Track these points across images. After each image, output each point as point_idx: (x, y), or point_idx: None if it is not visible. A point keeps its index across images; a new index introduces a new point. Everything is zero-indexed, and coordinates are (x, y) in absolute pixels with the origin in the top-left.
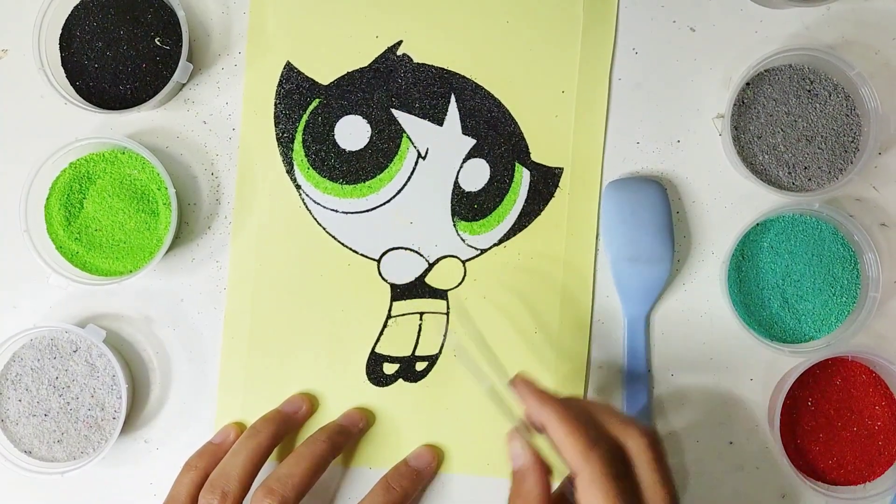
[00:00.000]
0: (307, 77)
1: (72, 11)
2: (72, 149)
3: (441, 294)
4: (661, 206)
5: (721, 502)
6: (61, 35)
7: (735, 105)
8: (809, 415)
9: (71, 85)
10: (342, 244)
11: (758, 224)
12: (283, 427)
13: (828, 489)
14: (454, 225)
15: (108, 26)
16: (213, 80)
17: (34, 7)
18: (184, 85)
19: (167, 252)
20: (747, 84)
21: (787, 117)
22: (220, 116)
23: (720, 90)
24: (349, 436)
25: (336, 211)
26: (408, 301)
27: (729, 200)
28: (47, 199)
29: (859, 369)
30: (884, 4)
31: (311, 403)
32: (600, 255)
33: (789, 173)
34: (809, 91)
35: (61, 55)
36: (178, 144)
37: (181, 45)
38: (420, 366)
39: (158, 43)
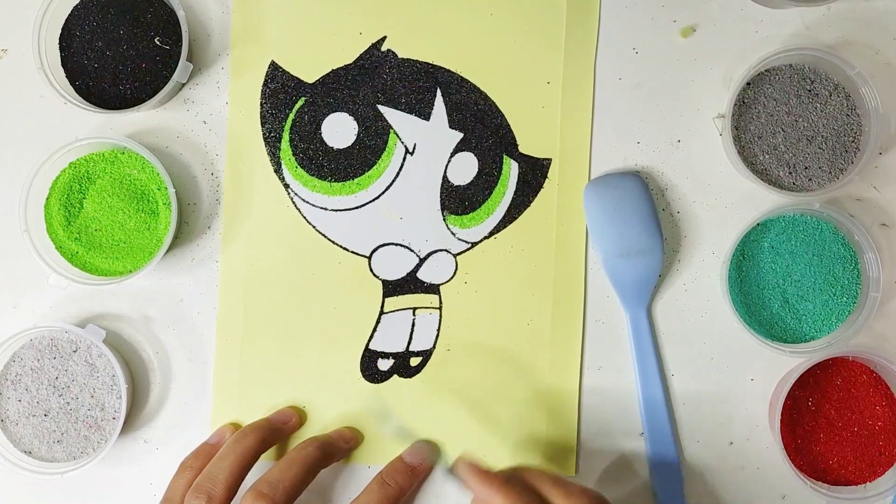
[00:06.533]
0: (292, 76)
1: (72, 11)
2: (72, 149)
3: (433, 289)
4: (643, 197)
5: (721, 502)
6: (61, 35)
7: (735, 105)
8: (810, 415)
9: (71, 85)
10: (332, 242)
11: (758, 224)
12: (272, 435)
13: (828, 489)
14: (444, 219)
15: (108, 26)
16: (212, 80)
17: (34, 7)
18: (184, 85)
19: (167, 252)
20: (748, 84)
21: (788, 117)
22: (219, 116)
23: (720, 90)
24: (339, 450)
25: (325, 209)
26: (400, 297)
27: (729, 200)
28: (47, 199)
29: (860, 369)
30: (884, 4)
31: (300, 418)
32: (592, 253)
33: (790, 173)
34: (810, 91)
35: (61, 55)
36: (178, 144)
37: (181, 45)
38: (414, 361)
39: (158, 43)
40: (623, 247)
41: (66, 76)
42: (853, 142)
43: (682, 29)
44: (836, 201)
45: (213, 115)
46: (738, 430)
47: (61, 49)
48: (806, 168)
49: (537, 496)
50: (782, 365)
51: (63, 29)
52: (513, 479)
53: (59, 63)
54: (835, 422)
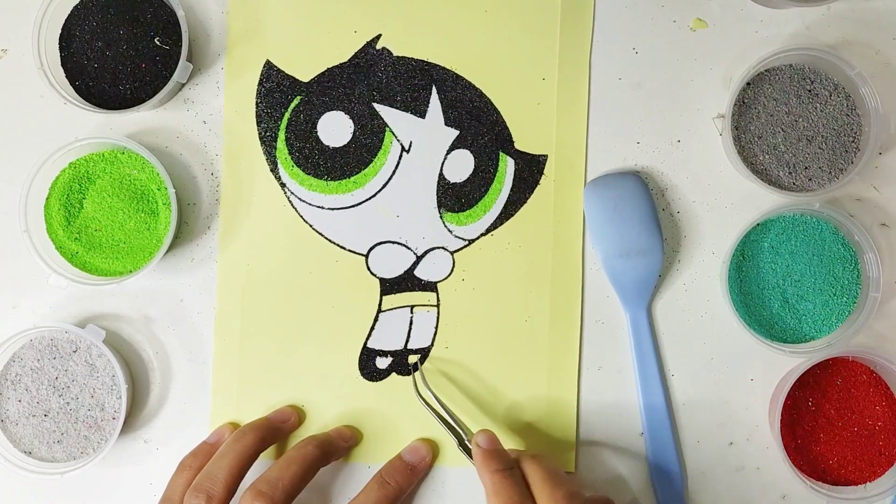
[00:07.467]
0: (287, 75)
1: (71, 11)
2: (71, 149)
3: (431, 286)
4: (643, 197)
5: (721, 503)
6: (61, 35)
7: (735, 105)
8: (810, 415)
9: (70, 85)
10: (329, 240)
11: (758, 224)
12: (271, 434)
13: (828, 489)
14: (441, 216)
15: (108, 26)
16: (212, 80)
17: (34, 7)
18: (183, 85)
19: (167, 252)
20: (748, 84)
21: (788, 117)
22: (219, 116)
23: (720, 90)
24: (338, 448)
25: (322, 207)
26: (397, 295)
27: (729, 200)
28: (47, 199)
29: (860, 369)
30: (884, 4)
31: (299, 417)
32: (591, 253)
33: (790, 173)
34: (810, 91)
35: (61, 55)
36: (178, 144)
37: (181, 45)
38: (413, 359)
39: (158, 43)
40: (623, 247)
41: (66, 76)
42: (853, 142)
43: (693, 20)
44: (836, 201)
45: (212, 115)
46: (738, 430)
47: (61, 49)
48: (806, 168)
49: (526, 490)
50: (782, 365)
51: (63, 29)
52: (511, 468)
53: (59, 63)
54: (835, 422)
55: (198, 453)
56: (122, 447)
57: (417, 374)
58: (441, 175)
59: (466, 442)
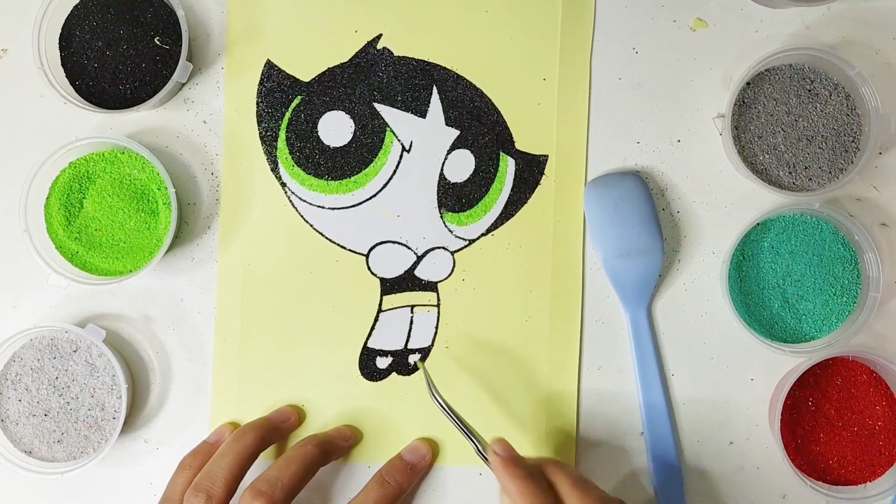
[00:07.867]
0: (288, 74)
1: (71, 11)
2: (71, 148)
3: (431, 286)
4: (643, 197)
5: (722, 502)
6: (61, 34)
7: (735, 105)
8: (810, 415)
9: (70, 84)
10: (330, 240)
11: (758, 224)
12: (271, 434)
13: (828, 489)
14: (441, 216)
15: (108, 26)
16: (212, 80)
17: (34, 7)
18: (183, 84)
19: (167, 252)
20: (748, 84)
21: (788, 117)
22: (219, 116)
23: (720, 90)
24: (338, 448)
25: (322, 207)
26: (398, 295)
27: (729, 200)
28: (47, 198)
29: (860, 369)
30: (884, 4)
31: (299, 416)
32: (591, 253)
33: (790, 173)
34: (810, 91)
35: (61, 55)
36: (178, 144)
37: (181, 45)
38: (413, 359)
39: (158, 42)
40: (623, 247)
41: (66, 76)
42: (853, 142)
43: (693, 20)
44: (836, 201)
45: (212, 115)
46: (738, 429)
47: (61, 49)
48: (806, 168)
49: (554, 495)
50: (782, 365)
51: (63, 29)
52: (535, 474)
53: (59, 63)
54: (835, 422)
55: (198, 453)
56: (122, 447)
57: (429, 376)
58: (442, 175)
59: (481, 450)
